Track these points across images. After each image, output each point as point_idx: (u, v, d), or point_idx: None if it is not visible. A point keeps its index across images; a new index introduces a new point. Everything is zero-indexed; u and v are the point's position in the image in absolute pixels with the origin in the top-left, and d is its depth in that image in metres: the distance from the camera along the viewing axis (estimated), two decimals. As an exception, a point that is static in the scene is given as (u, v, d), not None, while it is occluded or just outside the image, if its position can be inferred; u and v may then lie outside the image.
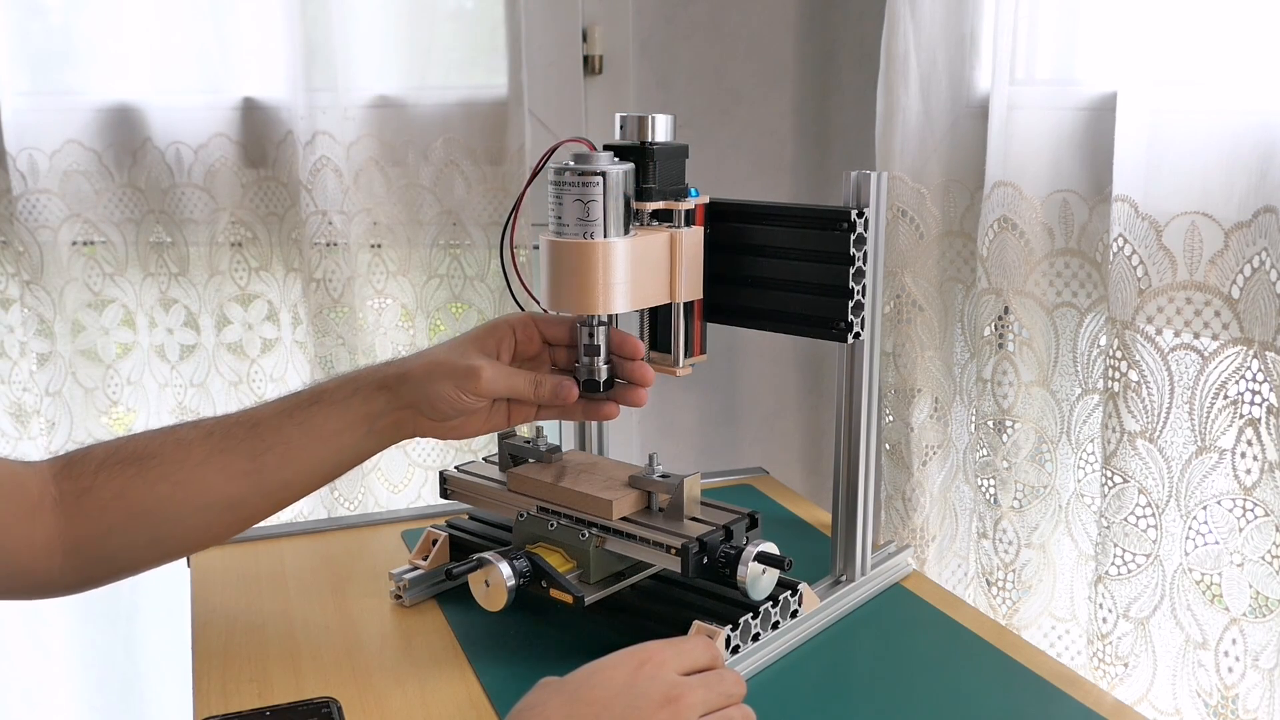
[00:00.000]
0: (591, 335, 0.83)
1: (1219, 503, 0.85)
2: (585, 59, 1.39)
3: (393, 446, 0.82)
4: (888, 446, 1.21)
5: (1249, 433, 0.82)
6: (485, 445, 1.37)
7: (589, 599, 0.81)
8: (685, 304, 0.85)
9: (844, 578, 0.93)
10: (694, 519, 0.83)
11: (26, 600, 0.77)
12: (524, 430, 0.96)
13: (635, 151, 0.81)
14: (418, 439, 1.35)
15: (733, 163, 1.47)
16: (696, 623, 0.79)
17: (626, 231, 0.80)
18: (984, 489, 1.10)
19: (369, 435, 0.79)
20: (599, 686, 0.63)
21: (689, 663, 0.66)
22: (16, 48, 1.24)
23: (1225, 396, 0.83)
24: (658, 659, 0.65)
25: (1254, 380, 0.82)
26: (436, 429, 0.81)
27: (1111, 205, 0.88)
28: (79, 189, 1.27)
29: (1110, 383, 0.90)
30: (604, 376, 0.84)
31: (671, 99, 1.44)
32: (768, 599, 0.82)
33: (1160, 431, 0.88)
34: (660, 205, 0.83)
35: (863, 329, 0.85)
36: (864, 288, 0.84)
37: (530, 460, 0.93)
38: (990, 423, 1.06)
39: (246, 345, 1.35)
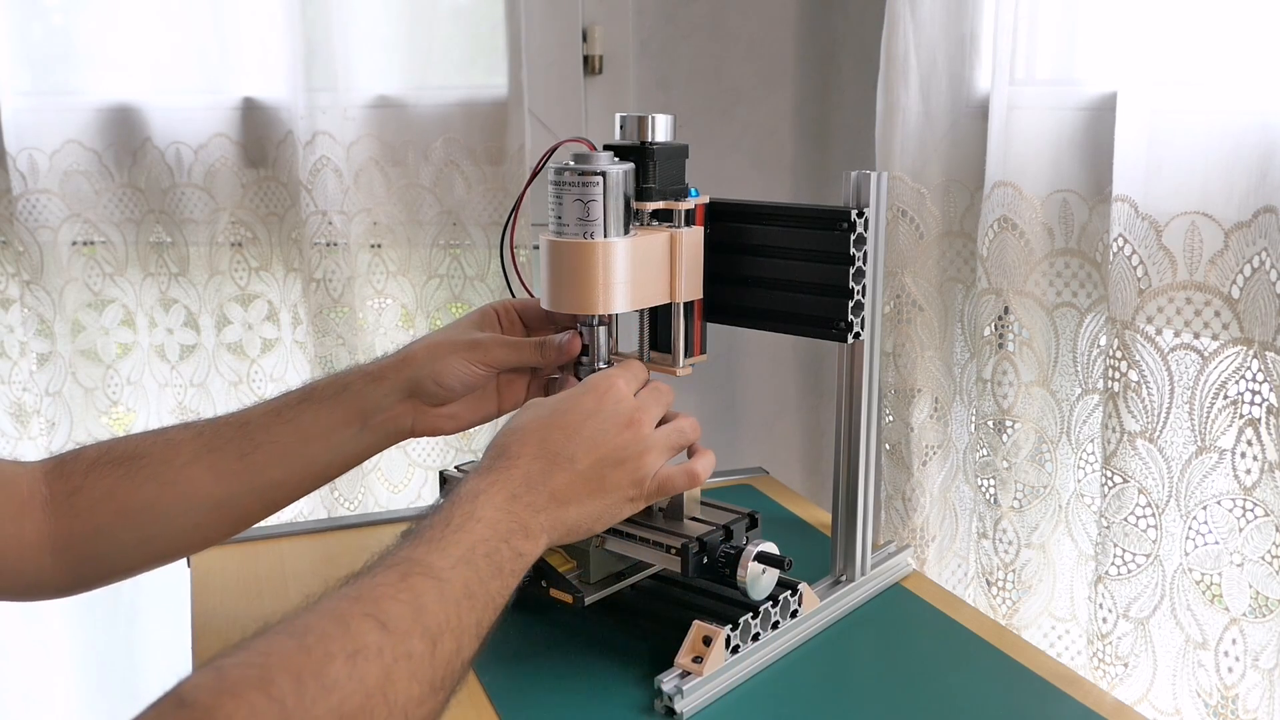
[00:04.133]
0: (591, 335, 0.83)
1: (1219, 503, 0.85)
2: (585, 59, 1.39)
3: (392, 447, 0.82)
4: (888, 446, 1.21)
5: (1249, 433, 0.82)
6: (486, 445, 1.37)
7: (589, 599, 0.81)
8: (685, 304, 0.85)
9: (844, 578, 0.93)
10: (694, 519, 0.83)
11: (19, 601, 0.77)
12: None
13: (635, 151, 0.81)
14: (415, 440, 1.37)
15: (733, 163, 1.46)
16: (697, 622, 0.79)
17: (626, 231, 0.80)
18: (984, 489, 1.10)
19: (363, 432, 0.79)
20: (571, 412, 0.72)
21: (636, 382, 0.77)
22: (16, 48, 1.24)
23: (1225, 396, 0.83)
24: (617, 387, 0.74)
25: (1254, 380, 0.82)
26: (433, 420, 0.81)
27: (1111, 205, 0.88)
28: (79, 189, 1.27)
29: (1110, 383, 0.90)
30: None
31: (671, 99, 1.43)
32: (768, 599, 0.82)
33: (1160, 431, 0.88)
34: (660, 205, 0.83)
35: (863, 329, 0.85)
36: (864, 288, 0.84)
37: (530, 460, 0.93)
38: (990, 423, 1.06)
39: (246, 345, 1.35)
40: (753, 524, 0.84)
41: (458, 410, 0.82)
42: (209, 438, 0.76)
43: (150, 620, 1.45)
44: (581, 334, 0.84)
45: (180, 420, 1.34)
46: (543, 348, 0.82)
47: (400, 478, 1.38)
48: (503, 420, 0.77)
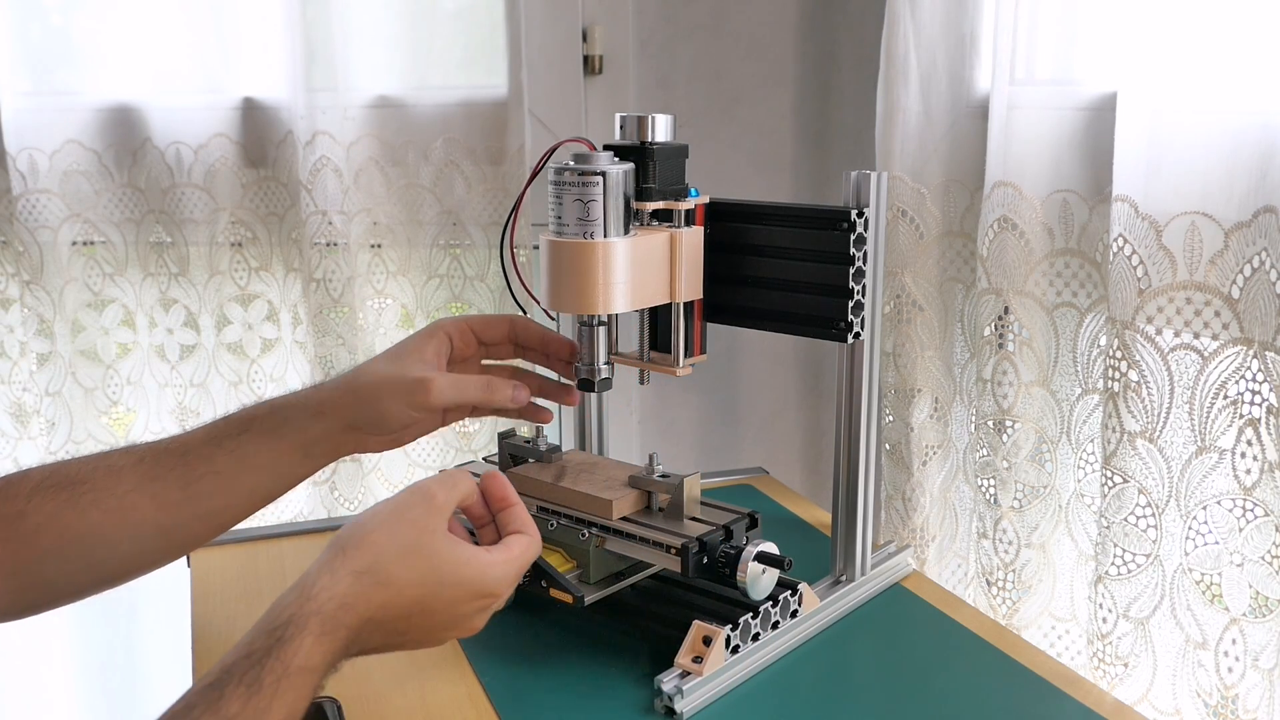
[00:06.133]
0: (591, 335, 0.83)
1: (1219, 503, 0.85)
2: (585, 59, 1.39)
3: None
4: (888, 446, 1.21)
5: (1249, 433, 0.82)
6: (485, 445, 1.37)
7: (589, 599, 0.81)
8: (685, 304, 0.85)
9: (844, 578, 0.93)
10: (694, 519, 0.83)
11: None
12: (524, 430, 0.96)
13: (635, 151, 0.81)
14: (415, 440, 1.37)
15: (733, 163, 1.46)
16: (697, 622, 0.79)
17: (626, 231, 0.80)
18: (984, 489, 1.10)
19: (305, 460, 0.78)
20: (432, 599, 0.64)
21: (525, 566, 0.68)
22: (16, 48, 1.24)
23: (1225, 396, 0.83)
24: (501, 599, 0.66)
25: (1254, 380, 0.82)
26: (376, 444, 0.80)
27: (1111, 205, 0.88)
28: (79, 189, 1.27)
29: (1110, 383, 0.90)
30: (603, 376, 0.84)
31: (671, 99, 1.44)
32: (768, 599, 0.82)
33: (1160, 431, 0.88)
34: (660, 205, 0.83)
35: (863, 329, 0.85)
36: (864, 288, 0.84)
37: (530, 460, 0.93)
38: (990, 423, 1.06)
39: (246, 345, 1.35)
40: (753, 524, 0.84)
41: (401, 434, 0.81)
42: (150, 465, 0.75)
43: (150, 620, 1.45)
44: (580, 334, 0.84)
45: (179, 422, 1.35)
46: (491, 388, 0.80)
47: (400, 477, 1.38)
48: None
